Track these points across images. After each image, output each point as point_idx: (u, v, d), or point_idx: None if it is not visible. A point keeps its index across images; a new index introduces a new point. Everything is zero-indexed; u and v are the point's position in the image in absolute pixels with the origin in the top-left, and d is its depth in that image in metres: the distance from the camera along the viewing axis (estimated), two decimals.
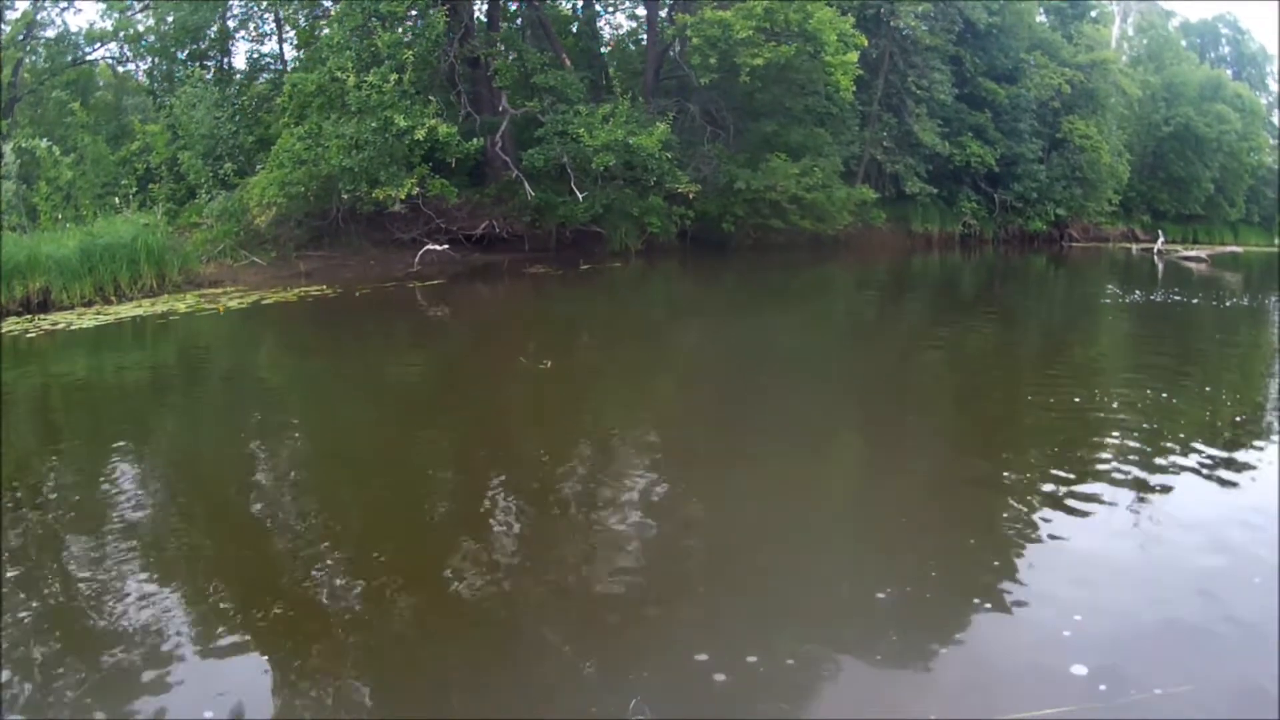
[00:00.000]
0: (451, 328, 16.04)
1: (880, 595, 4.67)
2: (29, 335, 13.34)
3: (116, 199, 21.28)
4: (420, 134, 20.41)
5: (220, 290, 18.01)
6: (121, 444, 8.14)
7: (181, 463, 7.81)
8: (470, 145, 21.29)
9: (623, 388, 10.57)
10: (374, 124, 20.43)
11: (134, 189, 22.13)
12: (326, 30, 22.69)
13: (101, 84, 32.13)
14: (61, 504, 6.24)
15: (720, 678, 3.92)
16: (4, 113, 26.74)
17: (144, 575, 5.01)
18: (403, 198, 20.92)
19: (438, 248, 21.90)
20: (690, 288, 21.74)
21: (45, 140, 22.10)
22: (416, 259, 21.60)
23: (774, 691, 3.94)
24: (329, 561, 5.25)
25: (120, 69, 31.75)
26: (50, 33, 29.14)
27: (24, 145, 21.94)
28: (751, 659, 4.07)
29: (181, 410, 9.73)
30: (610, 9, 29.86)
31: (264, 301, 16.87)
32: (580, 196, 22.14)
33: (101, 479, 6.76)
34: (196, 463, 7.61)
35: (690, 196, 23.78)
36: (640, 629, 4.53)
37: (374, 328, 15.43)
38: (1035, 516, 5.73)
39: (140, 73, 31.61)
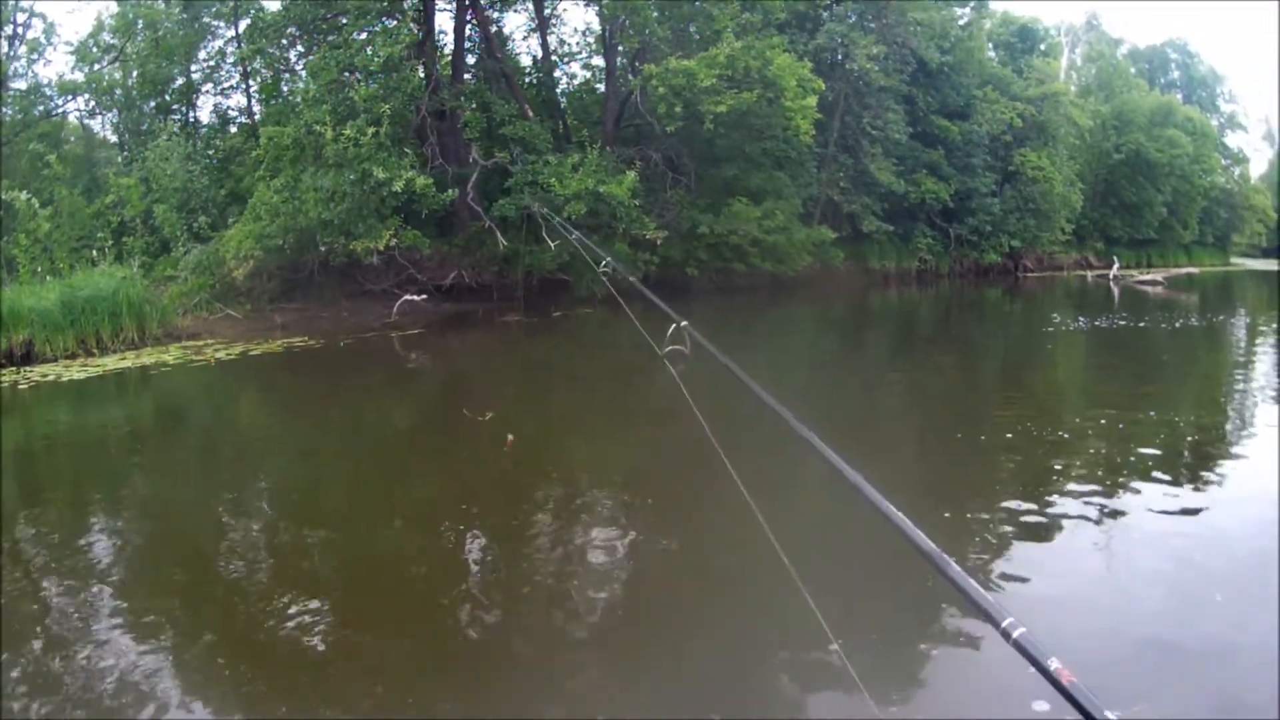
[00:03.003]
0: (442, 376, 16.56)
1: (833, 647, 4.66)
2: (20, 386, 13.79)
3: (93, 251, 21.58)
4: (398, 185, 20.99)
5: (201, 342, 18.38)
6: (138, 488, 8.55)
7: (198, 511, 7.98)
8: (446, 196, 21.98)
9: (609, 430, 11.07)
10: (353, 176, 20.99)
11: (109, 242, 22.44)
12: (297, 83, 23.21)
13: (72, 138, 32.42)
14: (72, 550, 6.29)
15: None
16: None
17: (117, 629, 5.17)
18: (380, 249, 21.46)
19: (416, 298, 22.45)
20: (659, 332, 22.22)
21: (25, 193, 22.41)
22: (395, 309, 22.11)
23: None
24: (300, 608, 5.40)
25: (89, 121, 32.03)
26: (21, 84, 29.42)
27: (4, 197, 22.27)
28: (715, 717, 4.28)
29: (203, 459, 10.15)
30: (567, 60, 30.52)
31: (251, 353, 17.27)
32: (552, 245, 22.81)
33: (110, 528, 7.07)
34: (211, 510, 7.79)
35: (656, 242, 24.44)
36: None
37: (364, 378, 15.86)
38: (995, 549, 5.95)
39: (108, 127, 31.90)
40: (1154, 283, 35.52)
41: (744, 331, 21.66)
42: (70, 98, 29.89)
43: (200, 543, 6.98)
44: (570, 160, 23.24)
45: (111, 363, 15.88)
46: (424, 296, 22.73)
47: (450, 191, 22.31)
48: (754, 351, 18.25)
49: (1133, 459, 8.05)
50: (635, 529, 7.23)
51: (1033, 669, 1.77)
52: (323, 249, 21.87)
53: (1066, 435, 9.35)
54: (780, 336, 21.34)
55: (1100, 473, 7.66)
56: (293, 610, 5.44)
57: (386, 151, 21.60)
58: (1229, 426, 9.94)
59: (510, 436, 9.50)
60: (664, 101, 24.16)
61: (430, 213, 22.72)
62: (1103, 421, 9.69)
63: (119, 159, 28.89)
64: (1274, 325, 22.00)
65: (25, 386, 13.89)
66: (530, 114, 25.15)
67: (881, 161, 31.44)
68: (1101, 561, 5.74)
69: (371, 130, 21.27)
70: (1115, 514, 6.55)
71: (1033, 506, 6.72)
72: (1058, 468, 7.87)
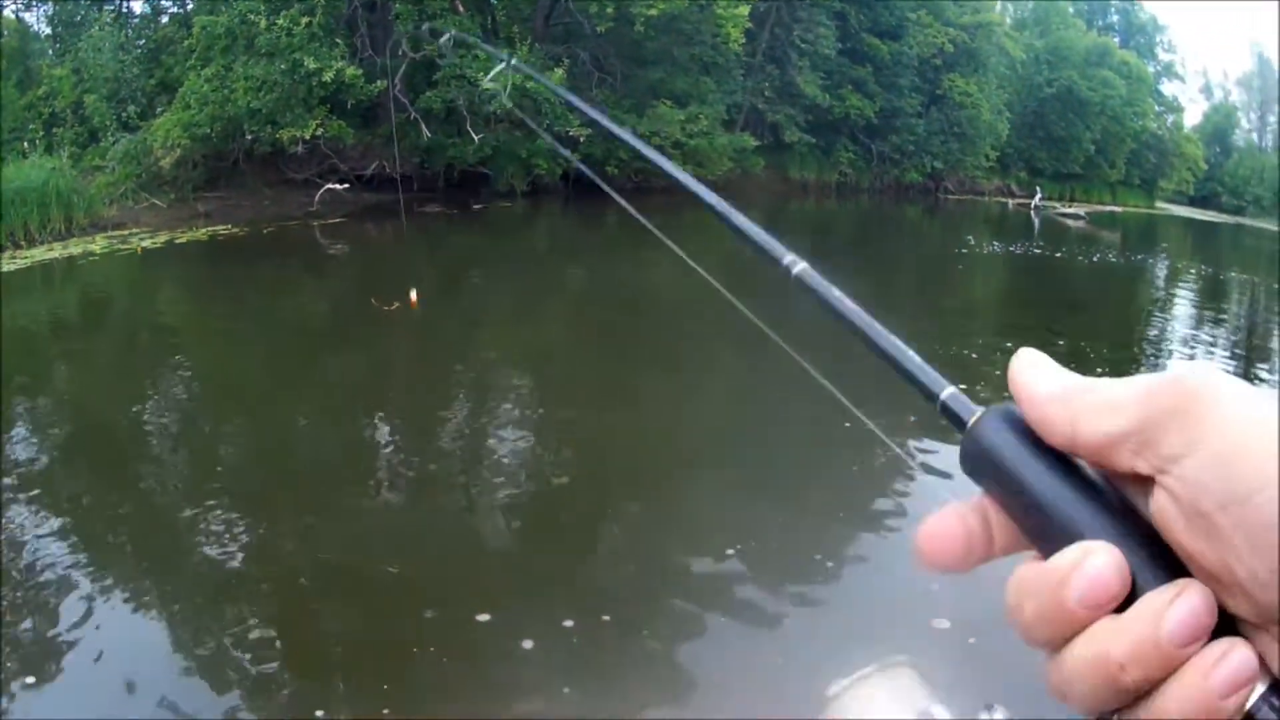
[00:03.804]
0: (360, 265, 16.95)
1: (731, 551, 4.95)
2: None
3: (24, 144, 21.63)
4: (328, 76, 21.22)
5: (126, 231, 18.52)
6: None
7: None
8: (374, 88, 22.19)
9: (530, 320, 11.41)
10: (283, 66, 21.13)
11: (40, 133, 22.37)
12: None
13: (5, 32, 31.99)
14: None
15: (569, 623, 4.23)
16: None
17: (29, 528, 5.19)
18: (305, 138, 21.73)
19: (338, 187, 22.76)
20: (577, 228, 23.02)
21: None
22: (316, 199, 22.38)
23: (637, 643, 4.22)
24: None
25: (24, 15, 31.60)
26: None
27: None
28: (605, 617, 4.32)
29: (126, 349, 10.44)
30: None
31: (176, 241, 17.53)
32: (476, 138, 23.10)
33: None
34: (130, 401, 7.76)
35: (579, 139, 24.83)
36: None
37: (285, 266, 16.19)
38: (901, 471, 6.19)
39: (42, 20, 31.48)
40: (1076, 216, 36.12)
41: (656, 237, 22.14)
42: None
43: (117, 434, 7.04)
44: None
45: (39, 254, 15.87)
46: (346, 186, 22.99)
47: (379, 83, 22.47)
48: (665, 252, 18.79)
49: None
50: (539, 408, 7.68)
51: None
52: (249, 138, 22.00)
53: (973, 355, 9.60)
54: (694, 239, 21.82)
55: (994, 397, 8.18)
56: (207, 502, 5.59)
57: (318, 42, 21.73)
58: (1140, 365, 10.06)
59: (414, 294, 9.69)
60: (596, 1, 24.37)
61: (356, 103, 22.85)
62: (1008, 344, 10.04)
63: (51, 52, 28.52)
64: (1193, 271, 22.38)
65: None
66: (461, 9, 25.32)
67: (808, 75, 31.90)
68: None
69: (305, 20, 21.38)
70: None
71: (939, 430, 6.64)
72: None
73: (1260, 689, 0.41)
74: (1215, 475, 0.42)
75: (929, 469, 6.19)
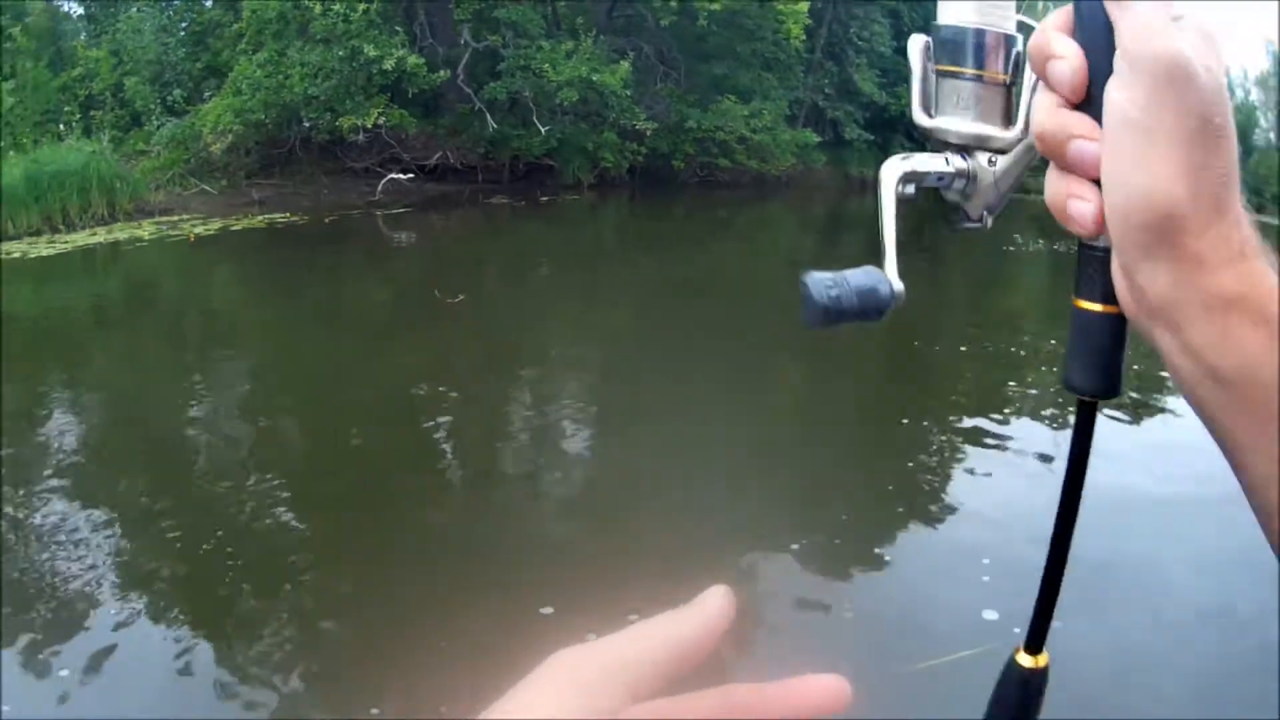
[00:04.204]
0: (426, 256, 16.41)
1: (795, 546, 4.85)
2: None
3: (60, 126, 21.03)
4: (389, 64, 20.64)
5: (175, 218, 18.10)
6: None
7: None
8: (437, 77, 21.57)
9: (597, 312, 11.21)
10: (341, 52, 20.62)
11: (77, 116, 21.90)
12: None
13: (32, 13, 31.25)
14: None
15: (634, 616, 4.16)
16: None
17: (70, 524, 5.10)
18: (368, 127, 21.08)
19: (401, 177, 22.18)
20: (645, 220, 22.50)
21: None
22: (379, 188, 21.84)
23: None
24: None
25: None
26: None
27: None
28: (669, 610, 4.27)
29: (175, 338, 10.16)
30: None
31: (231, 228, 16.99)
32: (543, 130, 22.48)
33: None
34: (177, 393, 7.68)
35: (645, 133, 24.28)
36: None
37: (348, 255, 15.75)
38: (951, 463, 6.08)
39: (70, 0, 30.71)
40: None
41: (726, 226, 21.71)
42: None
43: (162, 428, 6.91)
44: (564, 47, 22.94)
45: (81, 239, 15.56)
46: (409, 176, 22.45)
47: (442, 72, 21.92)
48: (735, 245, 18.36)
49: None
50: (605, 400, 7.54)
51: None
52: (306, 125, 21.44)
53: (1021, 352, 9.48)
54: (761, 233, 21.44)
55: (1050, 391, 7.78)
56: (261, 493, 5.50)
57: (377, 29, 21.16)
58: None
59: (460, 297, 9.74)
60: None
61: (417, 93, 22.28)
62: (1054, 342, 9.69)
63: (85, 33, 27.76)
64: None
65: None
66: None
67: (865, 72, 31.44)
68: (1047, 481, 5.62)
69: (362, 7, 20.84)
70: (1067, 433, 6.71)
71: (989, 422, 6.82)
72: (1011, 384, 8.03)
73: None
74: None
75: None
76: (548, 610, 4.13)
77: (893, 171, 0.66)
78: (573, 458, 6.32)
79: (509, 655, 3.51)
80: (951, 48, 0.66)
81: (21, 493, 5.57)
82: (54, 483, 5.72)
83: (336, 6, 20.63)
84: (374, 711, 3.53)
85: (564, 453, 6.37)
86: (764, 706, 0.41)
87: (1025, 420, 6.99)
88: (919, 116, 0.69)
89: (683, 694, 0.42)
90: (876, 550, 4.68)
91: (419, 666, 3.83)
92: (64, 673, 3.75)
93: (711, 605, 0.46)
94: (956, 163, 0.67)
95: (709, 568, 4.59)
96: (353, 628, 4.23)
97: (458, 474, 6.19)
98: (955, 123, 0.67)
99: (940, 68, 0.67)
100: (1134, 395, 7.27)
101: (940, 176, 0.68)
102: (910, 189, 0.66)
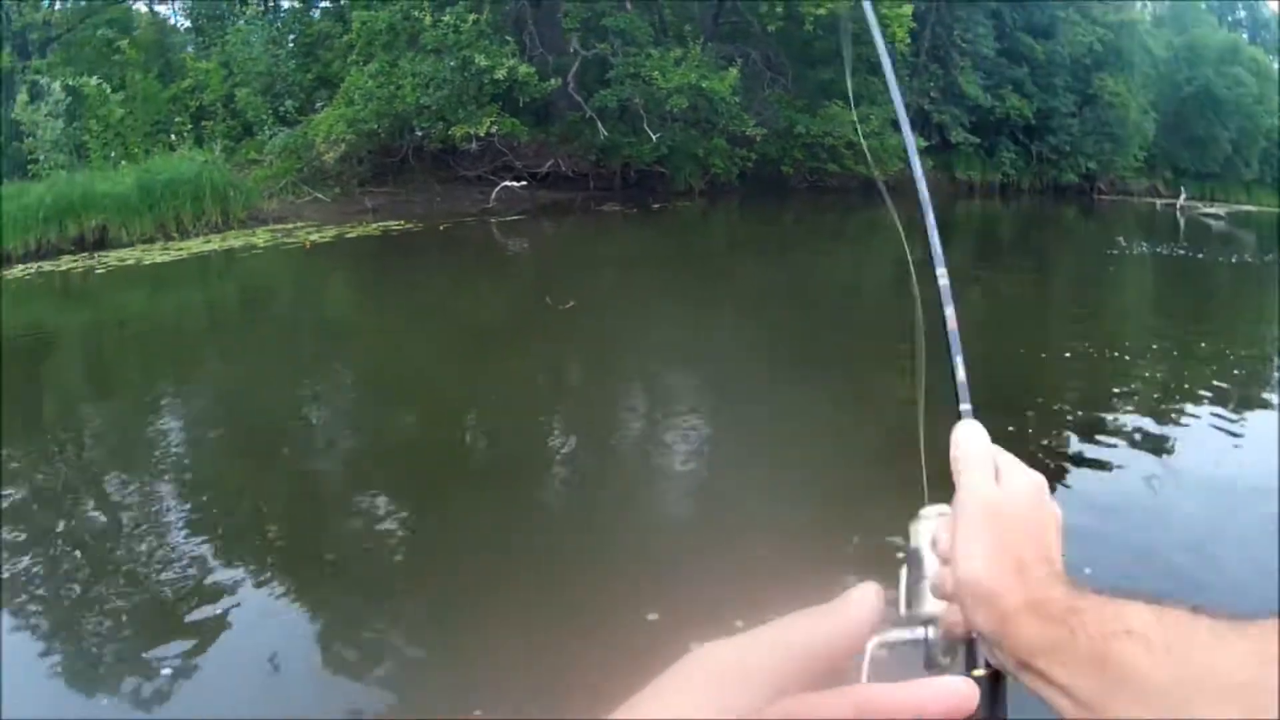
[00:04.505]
0: (541, 262, 16.59)
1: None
2: (97, 271, 13.84)
3: (172, 136, 21.45)
4: (501, 74, 20.80)
5: (289, 225, 18.37)
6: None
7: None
8: (548, 85, 21.68)
9: (710, 319, 11.12)
10: (453, 63, 20.78)
11: (188, 126, 22.42)
12: None
13: (140, 25, 31.90)
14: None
15: (740, 623, 4.04)
16: (38, 53, 26.59)
17: (186, 519, 5.22)
18: (480, 135, 21.19)
19: (515, 184, 22.30)
20: (755, 226, 22.45)
21: (95, 78, 22.13)
22: (493, 195, 21.99)
23: None
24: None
25: (158, 8, 31.50)
26: None
27: (71, 84, 21.93)
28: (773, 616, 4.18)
29: (291, 343, 10.34)
30: None
31: (346, 235, 17.17)
32: (653, 137, 22.47)
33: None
34: (289, 399, 7.88)
35: (755, 139, 24.20)
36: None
37: (465, 262, 15.91)
38: (1053, 474, 5.85)
39: (176, 13, 31.34)
40: (1216, 216, 35.03)
41: (836, 232, 21.55)
42: None
43: (278, 429, 7.02)
44: (673, 54, 22.90)
45: (195, 246, 15.86)
46: (523, 184, 22.51)
47: (553, 80, 22.02)
48: (846, 250, 18.16)
49: (1185, 385, 8.05)
50: (715, 409, 7.39)
51: None
52: (418, 134, 21.63)
53: (1125, 357, 9.31)
54: (872, 237, 21.21)
55: (1154, 395, 7.75)
56: (371, 494, 5.63)
57: (487, 39, 21.31)
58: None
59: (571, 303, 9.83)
60: (766, 0, 23.80)
61: (528, 102, 22.43)
62: (1155, 346, 9.65)
63: (192, 46, 28.30)
64: None
65: (102, 271, 13.76)
66: (629, 5, 24.69)
67: (969, 74, 31.13)
68: (1146, 490, 5.72)
69: (473, 17, 21.01)
70: (1166, 444, 6.62)
71: (1087, 428, 6.76)
72: (1115, 390, 7.89)
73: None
74: None
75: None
76: (653, 616, 4.12)
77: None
78: (680, 464, 6.25)
79: (614, 659, 3.71)
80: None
81: (138, 489, 5.76)
82: (169, 480, 5.90)
83: (446, 18, 20.85)
84: (477, 713, 3.52)
85: (671, 459, 6.32)
86: (894, 707, 0.41)
87: (1129, 428, 6.83)
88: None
89: (813, 693, 0.43)
90: None
91: (525, 668, 3.88)
92: (166, 671, 3.80)
93: (858, 602, 0.49)
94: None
95: (815, 574, 4.61)
96: (458, 629, 4.25)
97: (565, 478, 6.20)
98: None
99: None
100: None
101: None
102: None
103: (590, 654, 3.90)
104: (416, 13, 21.08)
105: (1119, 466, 6.11)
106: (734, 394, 7.80)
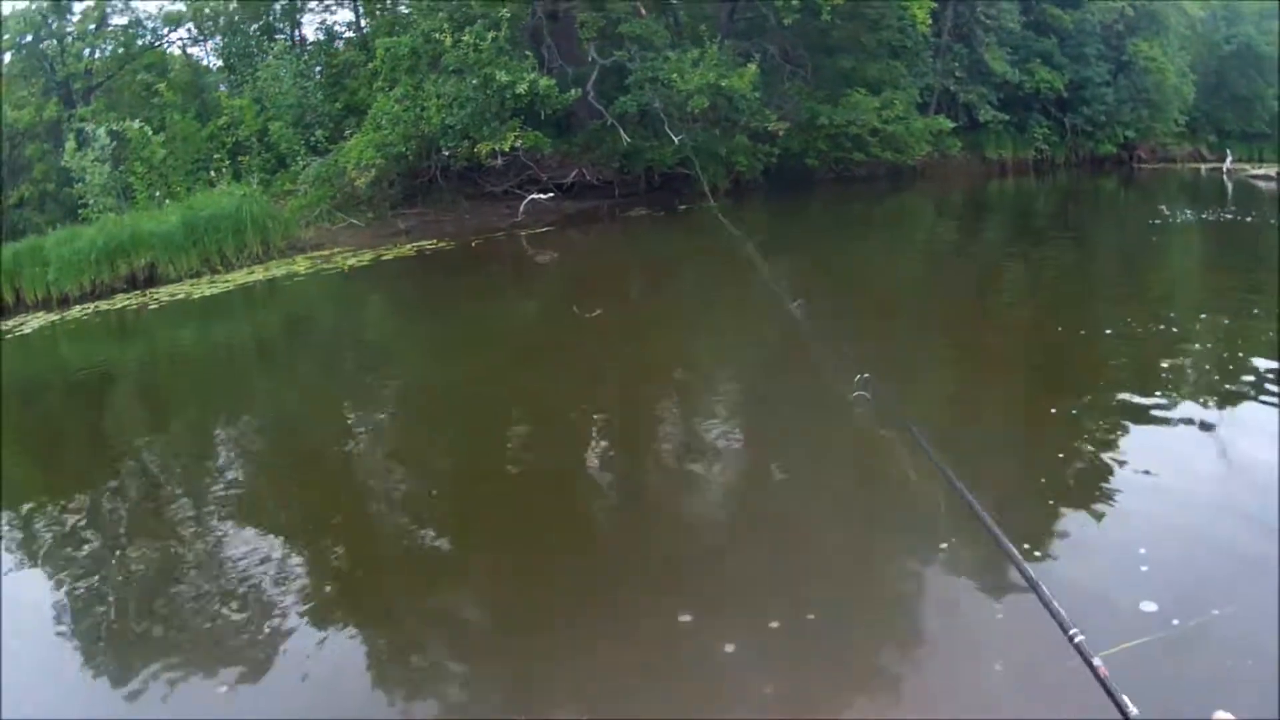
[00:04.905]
0: (572, 272, 16.69)
1: (944, 545, 4.75)
2: (150, 307, 14.47)
3: (211, 173, 21.97)
4: (522, 88, 20.94)
5: (328, 251, 18.73)
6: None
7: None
8: (568, 96, 21.84)
9: (739, 319, 11.19)
10: (475, 81, 21.03)
11: (226, 162, 22.89)
12: None
13: (174, 68, 32.60)
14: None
15: (775, 624, 4.09)
16: (81, 100, 27.33)
17: (235, 548, 5.40)
18: (505, 150, 21.46)
19: (541, 196, 22.57)
20: (782, 220, 22.42)
21: (137, 122, 22.78)
22: (521, 209, 22.31)
23: (843, 642, 4.08)
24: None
25: (191, 50, 32.19)
26: (122, 19, 29.64)
27: (115, 128, 22.58)
28: (810, 616, 4.19)
29: (334, 366, 10.60)
30: None
31: (383, 258, 17.52)
32: (675, 139, 22.64)
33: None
34: (337, 420, 8.13)
35: (777, 134, 24.21)
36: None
37: (497, 276, 16.21)
38: (1105, 447, 5.90)
39: (209, 54, 32.02)
40: (1267, 178, 34.14)
41: (865, 221, 21.48)
42: (173, 28, 30.04)
43: (324, 456, 7.23)
44: (690, 55, 22.92)
45: (240, 277, 16.33)
46: (550, 195, 22.77)
47: (574, 91, 22.18)
48: (873, 238, 18.12)
49: (1239, 356, 7.76)
50: (747, 412, 7.44)
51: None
52: (445, 154, 21.93)
53: (1173, 330, 9.03)
54: (899, 225, 21.18)
55: (1206, 369, 7.51)
56: (411, 504, 5.91)
57: (506, 55, 21.54)
58: None
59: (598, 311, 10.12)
60: None
61: (550, 114, 22.64)
62: (1204, 317, 9.37)
63: (225, 84, 28.93)
64: None
65: (155, 307, 14.25)
66: (644, 12, 24.83)
67: (995, 50, 30.56)
68: (1206, 467, 5.60)
69: (491, 35, 21.20)
70: (1223, 419, 6.36)
71: (1141, 406, 6.68)
72: (1164, 369, 7.62)
73: None
74: None
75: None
76: (686, 618, 4.20)
77: None
78: (712, 467, 6.32)
79: (648, 660, 4.04)
80: None
81: (194, 515, 6.02)
82: (225, 504, 6.16)
83: (466, 38, 21.06)
84: (517, 716, 3.70)
85: (703, 462, 6.39)
86: None
87: (1178, 406, 6.66)
88: None
89: None
90: (1027, 545, 4.54)
91: (560, 670, 4.00)
92: (221, 689, 4.01)
93: None
94: None
95: (855, 572, 4.78)
96: (499, 635, 4.39)
97: (598, 484, 6.27)
98: None
99: None
100: None
101: None
102: None
103: (624, 656, 4.07)
104: (437, 35, 21.38)
105: (1172, 440, 6.04)
106: (765, 395, 7.88)
